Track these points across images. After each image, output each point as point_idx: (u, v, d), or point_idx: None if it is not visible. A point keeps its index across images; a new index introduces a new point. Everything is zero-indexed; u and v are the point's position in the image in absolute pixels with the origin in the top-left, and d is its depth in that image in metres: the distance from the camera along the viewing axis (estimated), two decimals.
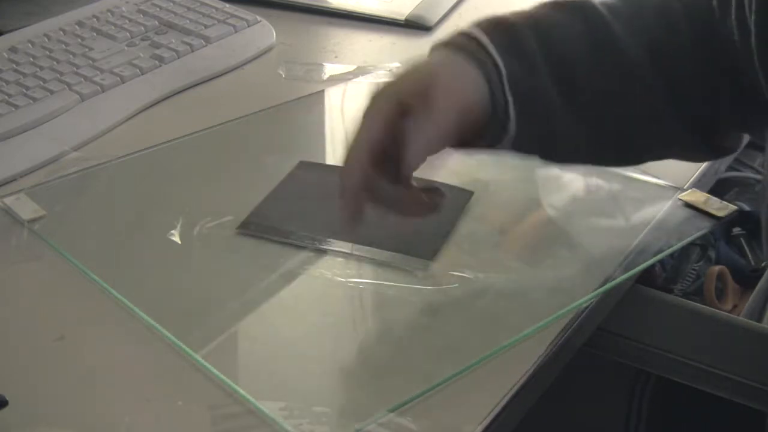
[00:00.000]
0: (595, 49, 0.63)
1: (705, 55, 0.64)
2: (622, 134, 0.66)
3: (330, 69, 0.91)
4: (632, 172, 0.76)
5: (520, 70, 0.61)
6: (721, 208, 0.73)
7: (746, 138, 0.74)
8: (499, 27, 0.63)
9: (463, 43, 0.62)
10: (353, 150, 0.59)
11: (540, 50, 0.62)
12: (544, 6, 0.65)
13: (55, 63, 0.85)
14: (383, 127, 0.59)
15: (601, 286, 0.65)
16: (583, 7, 0.64)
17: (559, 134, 0.64)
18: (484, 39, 0.62)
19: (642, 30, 0.64)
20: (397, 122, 0.59)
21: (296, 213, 0.70)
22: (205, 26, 0.94)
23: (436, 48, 0.63)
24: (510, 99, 0.61)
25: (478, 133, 0.62)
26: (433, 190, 0.64)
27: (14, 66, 0.84)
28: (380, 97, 0.60)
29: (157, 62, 0.88)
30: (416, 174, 0.72)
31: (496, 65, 0.61)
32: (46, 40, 0.89)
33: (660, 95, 0.64)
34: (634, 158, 0.71)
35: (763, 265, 0.88)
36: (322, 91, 0.88)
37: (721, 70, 0.63)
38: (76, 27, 0.92)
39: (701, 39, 0.64)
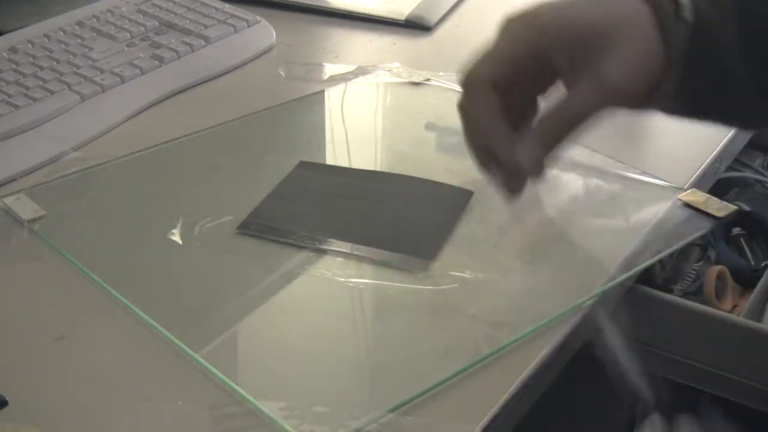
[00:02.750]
0: None
1: None
2: None
3: (330, 69, 0.91)
4: (632, 173, 0.76)
5: (711, 14, 0.52)
6: (721, 208, 0.73)
7: None
8: None
9: None
10: (473, 80, 0.52)
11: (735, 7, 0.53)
12: None
13: (55, 63, 0.85)
14: (509, 66, 0.51)
15: (601, 286, 0.65)
16: None
17: (728, 91, 0.55)
18: None
19: None
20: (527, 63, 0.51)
21: (296, 213, 0.70)
22: (205, 26, 0.94)
23: None
24: (687, 43, 0.52)
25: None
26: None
27: (14, 66, 0.84)
28: (517, 32, 0.51)
29: (157, 62, 0.88)
30: (416, 174, 0.72)
31: (679, 11, 0.51)
32: (46, 40, 0.89)
33: None
34: None
35: (763, 265, 0.88)
36: (322, 91, 0.88)
37: None
38: (76, 27, 0.92)
39: None
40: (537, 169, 0.54)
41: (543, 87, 0.55)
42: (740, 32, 0.53)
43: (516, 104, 0.53)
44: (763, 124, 0.65)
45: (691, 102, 0.56)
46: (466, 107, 0.53)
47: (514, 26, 0.51)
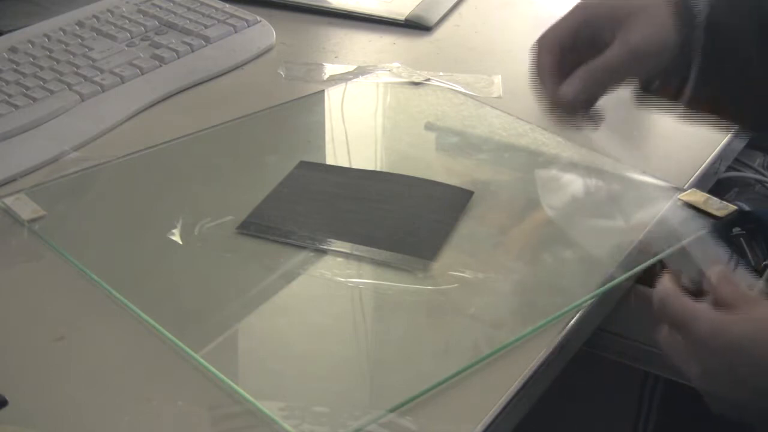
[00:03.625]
0: None
1: None
2: None
3: (330, 69, 0.91)
4: (632, 173, 0.76)
5: (725, 13, 0.64)
6: (721, 208, 0.73)
7: None
8: None
9: None
10: (544, 39, 0.67)
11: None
12: None
13: (55, 63, 0.85)
14: (570, 30, 0.66)
15: (601, 286, 0.65)
16: None
17: (743, 87, 0.65)
18: None
19: None
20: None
21: (296, 213, 0.70)
22: (205, 26, 0.94)
23: None
24: (702, 34, 0.64)
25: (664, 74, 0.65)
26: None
27: (14, 66, 0.84)
28: (578, 6, 0.67)
29: (157, 62, 0.88)
30: (416, 174, 0.72)
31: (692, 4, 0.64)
32: (46, 40, 0.89)
33: None
34: None
35: (763, 265, 0.88)
36: (322, 91, 0.88)
37: None
38: (76, 27, 0.92)
39: None
40: (575, 102, 0.66)
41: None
42: (760, 32, 0.64)
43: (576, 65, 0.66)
44: None
45: (710, 96, 0.66)
46: (534, 58, 0.67)
47: (576, 6, 0.67)
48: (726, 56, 0.64)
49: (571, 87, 0.65)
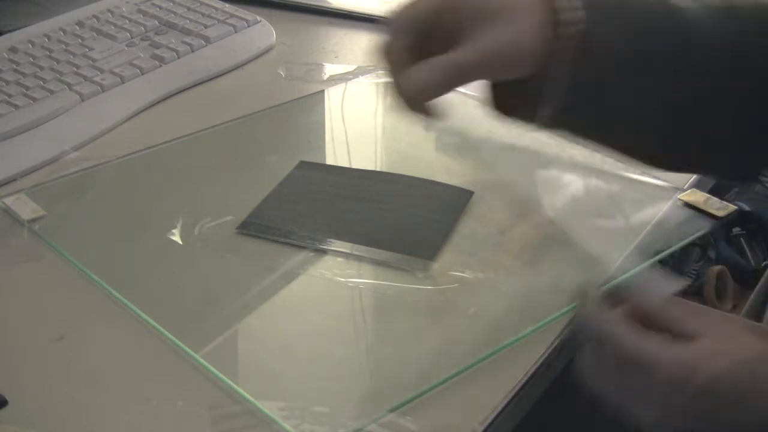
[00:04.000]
0: (669, 30, 0.60)
1: None
2: (684, 125, 0.62)
3: (330, 69, 0.91)
4: (632, 173, 0.76)
5: (595, 28, 0.58)
6: (721, 208, 0.73)
7: None
8: None
9: None
10: (397, 20, 0.60)
11: (623, 18, 0.59)
12: None
13: (55, 63, 0.85)
14: (426, 15, 0.59)
15: (601, 287, 0.64)
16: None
17: (616, 108, 0.60)
18: None
19: (710, 17, 0.60)
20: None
21: (296, 213, 0.70)
22: (205, 26, 0.94)
23: None
24: (572, 51, 0.58)
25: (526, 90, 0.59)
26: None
27: (14, 66, 0.84)
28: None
29: (157, 62, 0.88)
30: (416, 174, 0.72)
31: (566, 15, 0.58)
32: (46, 40, 0.89)
33: (731, 98, 0.60)
34: (677, 153, 0.65)
35: (763, 265, 0.88)
36: (322, 91, 0.88)
37: None
38: (76, 27, 0.92)
39: None
40: (419, 94, 0.59)
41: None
42: (631, 47, 0.59)
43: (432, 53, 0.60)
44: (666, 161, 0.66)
45: (584, 114, 0.61)
46: (386, 38, 0.60)
47: None
48: (600, 78, 0.58)
49: (416, 77, 0.58)
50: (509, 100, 0.62)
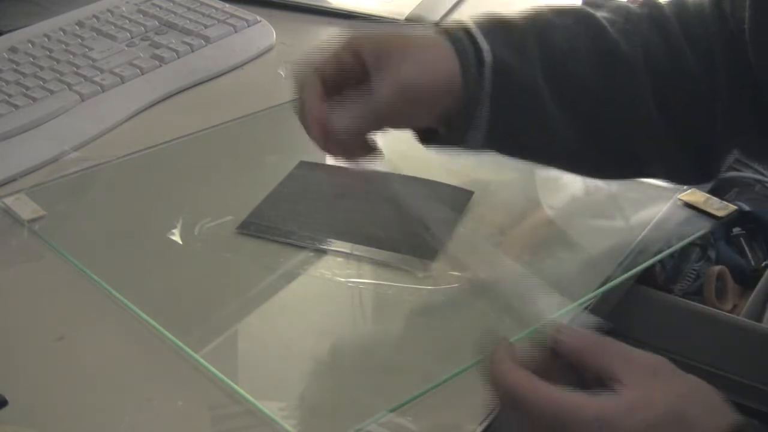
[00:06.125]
0: (592, 50, 0.62)
1: (698, 59, 0.63)
2: (612, 139, 0.64)
3: None
4: None
5: (511, 58, 0.60)
6: (721, 208, 0.73)
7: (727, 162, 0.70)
8: (493, 20, 0.62)
9: (449, 28, 0.61)
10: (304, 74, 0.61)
11: (535, 44, 0.62)
12: (540, 9, 0.64)
13: (55, 63, 0.85)
14: (333, 60, 0.60)
15: (601, 286, 0.65)
16: (577, 11, 0.64)
17: (542, 130, 0.62)
18: (472, 25, 0.61)
19: (634, 33, 0.63)
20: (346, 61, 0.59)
21: (296, 213, 0.70)
22: (205, 26, 0.94)
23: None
24: (489, 79, 0.60)
25: (445, 118, 0.61)
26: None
27: (14, 66, 0.84)
28: (345, 36, 0.60)
29: (157, 62, 0.88)
30: (416, 174, 0.72)
31: (476, 45, 0.60)
32: (46, 40, 0.89)
33: (652, 100, 0.63)
34: (616, 169, 0.68)
35: (763, 265, 0.88)
36: None
37: (714, 74, 0.63)
38: (76, 27, 0.92)
39: (696, 45, 0.63)
40: (346, 138, 0.60)
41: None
42: (545, 76, 0.61)
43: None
44: (590, 168, 0.68)
45: (507, 138, 0.63)
46: (295, 89, 0.62)
47: (343, 36, 0.61)
48: (518, 99, 0.61)
49: (339, 122, 0.59)
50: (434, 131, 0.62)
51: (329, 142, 0.60)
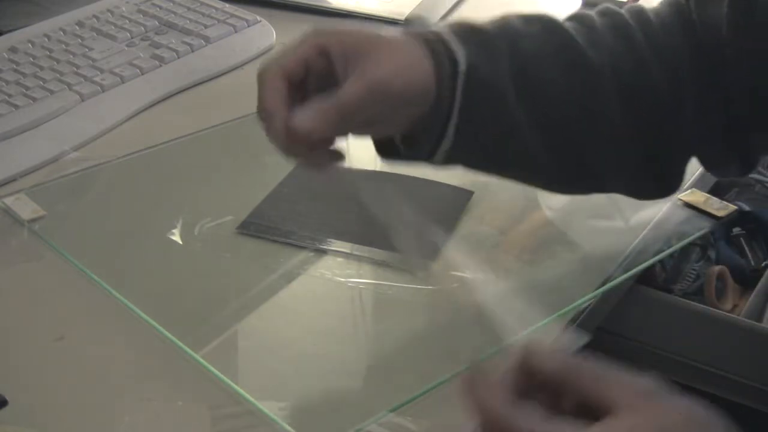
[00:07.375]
0: (560, 58, 0.61)
1: (661, 65, 0.62)
2: (579, 150, 0.62)
3: None
4: None
5: (484, 65, 0.59)
6: (721, 208, 0.73)
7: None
8: (464, 25, 0.61)
9: (423, 33, 0.59)
10: (268, 71, 0.58)
11: (505, 51, 0.60)
12: (508, 16, 0.63)
13: (55, 63, 0.85)
14: (299, 61, 0.57)
15: (601, 286, 0.65)
16: (544, 19, 0.63)
17: (510, 140, 0.60)
18: (445, 30, 0.60)
19: (601, 43, 0.62)
20: (316, 62, 0.57)
21: (296, 213, 0.70)
22: (205, 26, 0.94)
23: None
24: (461, 86, 0.58)
25: (414, 129, 0.59)
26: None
27: (14, 66, 0.84)
28: (310, 35, 0.57)
29: (157, 62, 0.88)
30: (416, 174, 0.72)
31: (450, 52, 0.58)
32: (46, 40, 0.89)
33: (618, 110, 0.61)
34: (580, 180, 0.66)
35: (763, 265, 0.88)
36: None
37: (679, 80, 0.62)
38: (76, 27, 0.92)
39: (660, 52, 0.62)
40: (311, 140, 0.57)
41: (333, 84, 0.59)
42: (515, 84, 0.59)
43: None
44: (556, 183, 0.66)
45: (474, 146, 0.60)
46: (260, 91, 0.59)
47: (308, 33, 0.58)
48: (488, 107, 0.59)
49: (304, 123, 0.56)
50: (396, 142, 0.61)
51: (291, 145, 0.57)
